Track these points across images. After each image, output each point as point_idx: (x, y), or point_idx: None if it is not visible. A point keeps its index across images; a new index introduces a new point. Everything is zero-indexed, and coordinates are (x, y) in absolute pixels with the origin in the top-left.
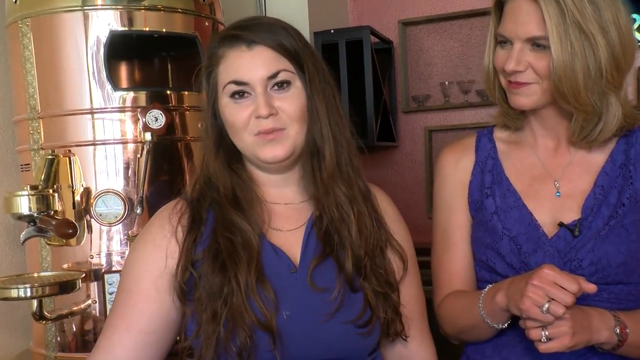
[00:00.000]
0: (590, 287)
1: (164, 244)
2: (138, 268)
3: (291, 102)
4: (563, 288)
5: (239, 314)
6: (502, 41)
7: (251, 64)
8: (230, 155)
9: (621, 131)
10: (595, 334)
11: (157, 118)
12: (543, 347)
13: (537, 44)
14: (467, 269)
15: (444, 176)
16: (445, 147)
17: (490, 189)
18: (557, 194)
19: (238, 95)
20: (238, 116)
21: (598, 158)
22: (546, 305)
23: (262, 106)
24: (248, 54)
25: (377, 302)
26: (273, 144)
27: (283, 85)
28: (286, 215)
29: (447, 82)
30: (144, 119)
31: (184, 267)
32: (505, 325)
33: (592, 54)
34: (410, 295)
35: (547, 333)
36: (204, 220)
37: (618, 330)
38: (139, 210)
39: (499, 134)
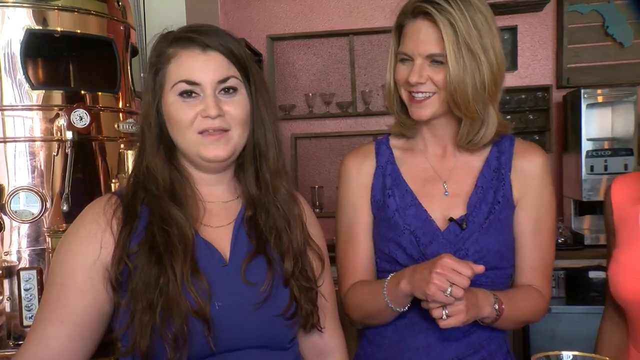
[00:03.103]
0: (480, 268)
1: (98, 235)
2: (70, 261)
3: (237, 107)
4: (460, 273)
5: (174, 303)
6: (403, 58)
7: (204, 67)
8: (169, 152)
9: (494, 139)
10: (481, 310)
11: (82, 117)
12: (443, 324)
13: (435, 60)
14: (369, 261)
15: (348, 179)
16: (348, 154)
17: (391, 190)
18: (446, 193)
19: (187, 94)
20: (185, 114)
21: (476, 163)
22: (449, 290)
23: (212, 107)
24: (202, 57)
25: (301, 296)
26: (216, 144)
27: (230, 90)
28: (216, 212)
29: (310, 94)
30: (69, 118)
31: (120, 258)
32: (406, 308)
33: (478, 70)
34: (325, 291)
35: (447, 312)
36: (138, 214)
37: (497, 306)
38: (65, 207)
39: (395, 142)
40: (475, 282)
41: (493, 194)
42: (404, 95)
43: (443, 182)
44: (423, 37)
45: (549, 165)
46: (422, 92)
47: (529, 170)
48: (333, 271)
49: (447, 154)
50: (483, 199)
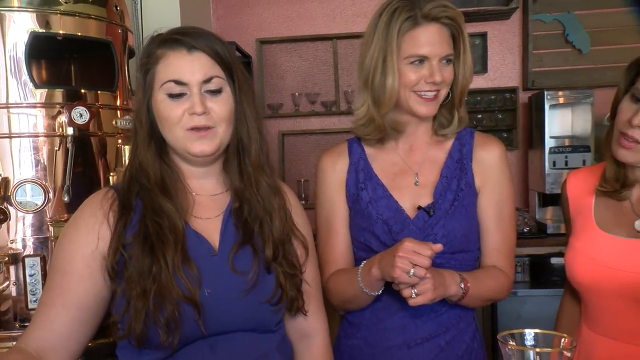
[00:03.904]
0: (438, 247)
1: (96, 227)
2: (71, 249)
3: (221, 105)
4: (420, 254)
5: (166, 290)
6: (417, 60)
7: (190, 67)
8: (160, 147)
9: (455, 132)
10: (448, 289)
11: (81, 114)
12: (412, 302)
13: (448, 59)
14: (347, 250)
15: (325, 177)
16: (323, 153)
17: (364, 183)
18: (416, 183)
19: (175, 92)
20: (173, 112)
21: (441, 155)
22: (412, 271)
23: (198, 105)
24: (188, 57)
25: (286, 282)
26: (202, 141)
27: (215, 91)
28: (206, 204)
29: (297, 94)
30: (69, 115)
31: (115, 249)
32: (380, 292)
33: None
34: (309, 277)
35: (415, 291)
36: (133, 207)
37: (463, 285)
38: (66, 198)
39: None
40: (445, 264)
41: (457, 183)
42: (410, 96)
43: (415, 173)
44: (439, 39)
45: (506, 155)
46: (431, 91)
47: (488, 159)
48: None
49: (414, 149)
50: (448, 187)
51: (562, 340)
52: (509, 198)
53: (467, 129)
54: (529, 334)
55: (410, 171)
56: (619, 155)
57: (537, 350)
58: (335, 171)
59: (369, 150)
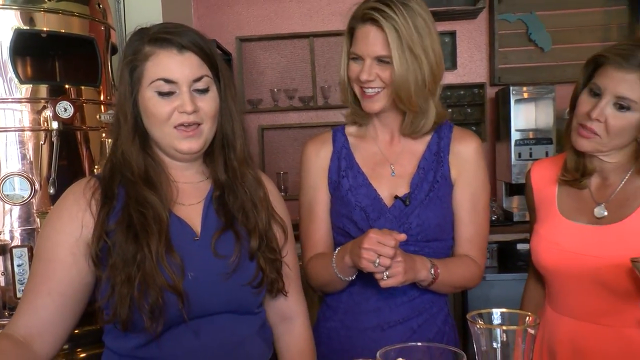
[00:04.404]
0: (402, 237)
1: (79, 215)
2: (55, 238)
3: (209, 103)
4: (385, 245)
5: (150, 278)
6: (354, 58)
7: (181, 66)
8: (143, 140)
9: (434, 127)
10: (418, 273)
11: (66, 109)
12: (384, 283)
13: (382, 60)
14: (327, 235)
15: (309, 164)
16: (307, 141)
17: (345, 171)
18: (393, 174)
19: (165, 91)
20: (162, 109)
21: (419, 147)
22: (377, 261)
23: (188, 103)
24: (179, 57)
25: (267, 267)
26: (190, 139)
27: (203, 90)
28: (188, 191)
29: (275, 89)
30: (54, 109)
31: (99, 236)
32: (354, 277)
33: (419, 69)
34: (288, 261)
35: (387, 273)
36: (116, 196)
37: (433, 271)
38: (52, 191)
39: (349, 130)
40: (419, 252)
41: (433, 174)
42: (357, 89)
43: (390, 164)
44: (371, 40)
45: (482, 150)
46: (372, 88)
47: (465, 153)
48: (297, 248)
49: (394, 140)
50: (424, 178)
51: (527, 318)
52: (483, 191)
53: (447, 123)
54: (496, 313)
55: (387, 162)
56: (577, 145)
57: (504, 328)
58: (319, 158)
59: (351, 140)
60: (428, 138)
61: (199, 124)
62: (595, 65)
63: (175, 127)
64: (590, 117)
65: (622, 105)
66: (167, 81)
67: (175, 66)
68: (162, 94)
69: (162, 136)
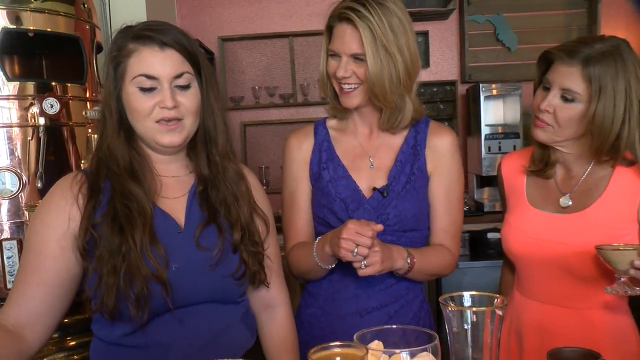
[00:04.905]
0: (379, 227)
1: (67, 209)
2: (43, 231)
3: (190, 98)
4: (362, 235)
5: (135, 268)
6: (332, 55)
7: (162, 63)
8: (128, 135)
9: (412, 122)
10: (395, 262)
11: (52, 105)
12: (362, 272)
13: (358, 57)
14: (308, 224)
15: (291, 156)
16: (290, 133)
17: (326, 163)
18: (371, 166)
19: (146, 86)
20: (144, 104)
21: (397, 141)
22: (355, 250)
23: (169, 99)
24: (160, 54)
25: (249, 259)
26: (171, 133)
27: (184, 86)
28: (172, 185)
29: (257, 87)
30: (41, 106)
31: (86, 229)
32: (333, 265)
33: (394, 67)
34: (270, 253)
35: (365, 262)
36: (102, 189)
37: (409, 260)
38: (39, 185)
39: (330, 123)
40: (396, 241)
41: (410, 167)
42: (335, 85)
43: (369, 157)
44: (347, 38)
45: (457, 144)
46: (348, 84)
47: (440, 146)
48: (280, 239)
49: (373, 134)
50: (402, 171)
51: (495, 300)
52: (458, 183)
53: (424, 118)
54: (467, 295)
55: (366, 155)
56: (534, 135)
57: (474, 309)
58: (301, 150)
59: (332, 133)
60: (406, 132)
61: (179, 119)
62: (547, 63)
63: (156, 121)
64: (540, 109)
65: (566, 97)
66: (149, 77)
67: (156, 62)
68: (143, 89)
69: (145, 130)
